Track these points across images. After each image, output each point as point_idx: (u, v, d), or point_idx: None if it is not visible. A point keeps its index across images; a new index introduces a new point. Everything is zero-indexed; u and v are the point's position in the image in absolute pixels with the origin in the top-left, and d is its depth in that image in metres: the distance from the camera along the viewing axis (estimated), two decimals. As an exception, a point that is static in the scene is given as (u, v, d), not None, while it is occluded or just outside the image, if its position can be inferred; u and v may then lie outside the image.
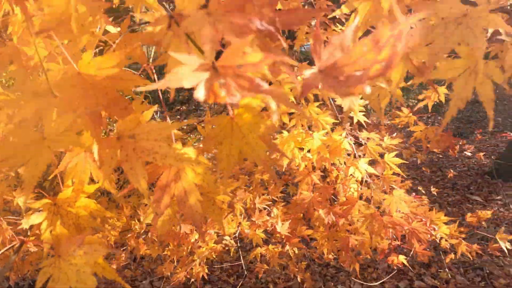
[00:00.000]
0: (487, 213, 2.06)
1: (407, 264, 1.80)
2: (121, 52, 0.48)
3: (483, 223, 2.08)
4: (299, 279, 2.87)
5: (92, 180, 0.72)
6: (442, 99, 1.59)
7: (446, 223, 1.99)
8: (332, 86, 0.33)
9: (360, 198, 1.75)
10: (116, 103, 0.50)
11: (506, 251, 1.78)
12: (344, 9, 0.62)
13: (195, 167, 0.57)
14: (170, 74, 0.28)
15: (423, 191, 4.05)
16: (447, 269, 4.55)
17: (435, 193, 4.38)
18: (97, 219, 0.73)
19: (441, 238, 1.85)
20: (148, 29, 0.46)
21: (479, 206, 5.84)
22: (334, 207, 1.66)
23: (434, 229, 1.74)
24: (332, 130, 1.83)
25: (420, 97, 1.76)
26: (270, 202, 2.43)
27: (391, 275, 4.45)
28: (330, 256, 2.46)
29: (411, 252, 1.80)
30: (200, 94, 0.29)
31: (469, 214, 2.09)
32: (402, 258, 1.73)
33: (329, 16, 0.76)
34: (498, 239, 1.83)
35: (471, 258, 1.89)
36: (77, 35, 0.51)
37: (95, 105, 0.49)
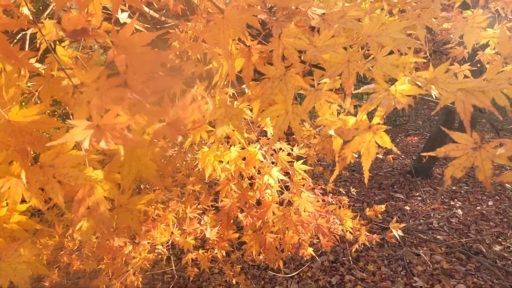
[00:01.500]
0: (382, 207, 2.45)
1: (316, 256, 2.09)
2: (40, 105, 0.69)
3: (379, 215, 2.47)
4: (234, 282, 3.09)
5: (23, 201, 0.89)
6: (335, 114, 1.93)
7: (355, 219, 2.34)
8: (176, 133, 0.57)
9: (285, 201, 2.03)
10: (39, 141, 0.70)
11: (398, 237, 2.16)
12: (214, 64, 0.88)
13: (103, 185, 0.78)
14: (68, 134, 0.50)
15: (344, 192, 4.48)
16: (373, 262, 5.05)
17: (354, 193, 4.85)
18: (29, 231, 0.91)
19: (347, 231, 2.19)
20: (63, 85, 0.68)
21: (402, 202, 6.52)
22: (251, 211, 1.92)
23: (337, 223, 2.07)
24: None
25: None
26: (201, 211, 2.65)
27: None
28: (261, 257, 2.72)
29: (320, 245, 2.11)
30: (85, 145, 0.51)
31: (367, 209, 2.47)
32: (310, 250, 2.04)
33: (206, 68, 1.00)
34: (391, 228, 2.21)
35: (368, 245, 2.23)
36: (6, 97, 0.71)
37: (22, 143, 0.69)
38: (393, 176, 7.67)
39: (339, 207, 2.37)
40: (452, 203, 6.45)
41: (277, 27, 0.81)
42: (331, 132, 0.66)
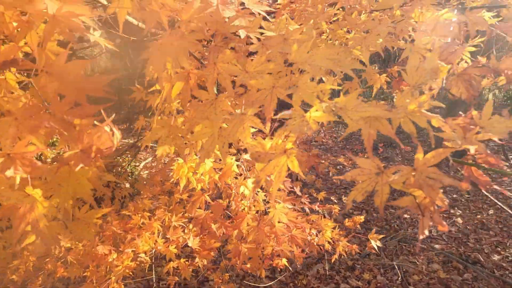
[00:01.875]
0: (361, 218, 2.46)
1: (289, 266, 2.11)
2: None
3: (358, 226, 2.49)
4: (222, 289, 3.12)
5: None
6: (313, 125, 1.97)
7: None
8: (87, 160, 0.61)
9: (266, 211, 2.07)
10: None
11: (376, 248, 2.17)
12: (157, 86, 0.92)
13: (43, 202, 0.83)
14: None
15: (335, 201, 4.49)
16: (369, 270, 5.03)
17: (341, 201, 4.84)
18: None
19: (326, 241, 2.21)
20: None
21: (401, 210, 6.49)
22: (225, 221, 1.95)
23: (313, 234, 2.10)
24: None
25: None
26: (187, 220, 2.69)
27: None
28: (249, 266, 2.75)
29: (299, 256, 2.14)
30: None
31: (346, 220, 2.49)
32: (284, 261, 2.06)
33: (150, 90, 1.05)
34: (370, 239, 2.22)
35: (346, 256, 2.24)
36: None
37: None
38: (394, 184, 7.61)
39: (323, 216, 2.39)
40: (452, 211, 6.39)
41: (214, 52, 0.85)
42: (246, 156, 0.70)
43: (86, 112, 0.69)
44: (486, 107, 0.70)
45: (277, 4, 2.62)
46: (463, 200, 6.69)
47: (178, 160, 1.88)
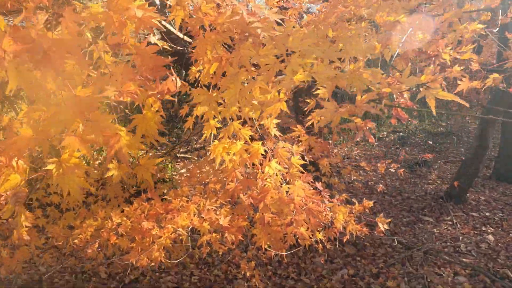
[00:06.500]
0: (370, 203, 2.78)
1: (309, 235, 2.44)
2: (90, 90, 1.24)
3: (367, 210, 2.80)
4: (248, 274, 3.52)
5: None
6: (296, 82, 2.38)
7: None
8: (162, 96, 1.08)
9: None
10: (93, 109, 1.24)
11: (383, 230, 2.48)
12: (200, 67, 1.40)
13: (125, 136, 1.30)
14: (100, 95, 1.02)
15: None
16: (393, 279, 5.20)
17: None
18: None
19: (338, 222, 2.56)
20: None
21: (430, 225, 6.57)
22: (252, 193, 2.38)
23: (328, 210, 2.47)
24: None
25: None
26: (219, 205, 3.13)
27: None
28: (272, 252, 3.13)
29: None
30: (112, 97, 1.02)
31: (357, 205, 2.81)
32: (303, 229, 2.42)
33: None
34: (378, 222, 2.54)
35: (354, 235, 2.55)
36: None
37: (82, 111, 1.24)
38: (425, 200, 7.69)
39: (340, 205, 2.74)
40: (483, 228, 6.40)
41: (238, 43, 1.30)
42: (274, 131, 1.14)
43: (158, 74, 1.15)
44: (405, 71, 1.08)
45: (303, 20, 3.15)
46: (496, 218, 6.68)
47: (214, 142, 2.34)
